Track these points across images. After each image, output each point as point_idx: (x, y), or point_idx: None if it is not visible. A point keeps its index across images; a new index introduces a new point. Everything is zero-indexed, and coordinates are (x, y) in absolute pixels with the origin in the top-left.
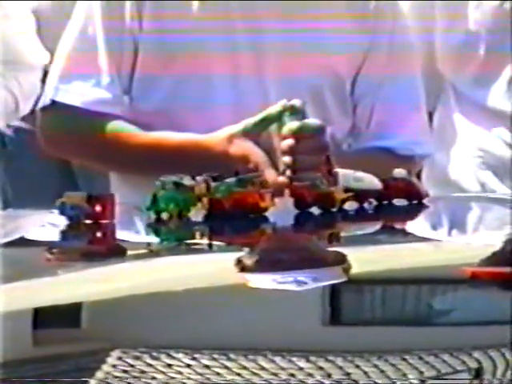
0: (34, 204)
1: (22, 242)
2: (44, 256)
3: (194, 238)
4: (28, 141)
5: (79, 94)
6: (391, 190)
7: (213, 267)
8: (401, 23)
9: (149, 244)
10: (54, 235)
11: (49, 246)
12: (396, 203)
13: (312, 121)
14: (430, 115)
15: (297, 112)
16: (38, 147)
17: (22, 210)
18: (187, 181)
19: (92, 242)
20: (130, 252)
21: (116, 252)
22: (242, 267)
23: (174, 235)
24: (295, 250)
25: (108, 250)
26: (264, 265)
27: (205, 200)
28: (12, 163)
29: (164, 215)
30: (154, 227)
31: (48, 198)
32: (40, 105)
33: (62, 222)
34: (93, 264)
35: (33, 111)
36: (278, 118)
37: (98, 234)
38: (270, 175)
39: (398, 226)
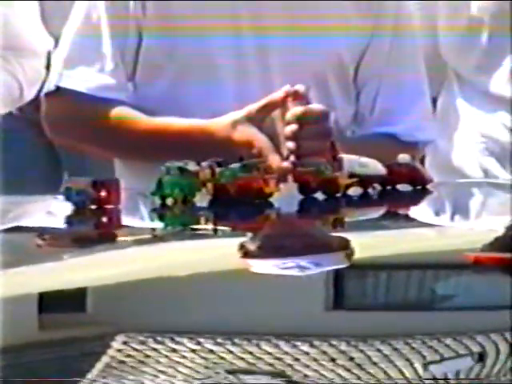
0: (21, 191)
1: (27, 228)
2: (35, 242)
3: (198, 223)
4: (16, 127)
5: (83, 80)
6: (395, 176)
7: (217, 252)
8: (404, 9)
9: (153, 229)
10: (58, 221)
11: (39, 231)
12: (400, 188)
13: (316, 106)
14: (434, 101)
15: (300, 97)
16: (25, 133)
17: (27, 196)
18: (192, 166)
19: (98, 227)
20: (135, 237)
21: (107, 238)
22: (244, 252)
23: (179, 220)
24: (298, 236)
25: (99, 235)
26: (266, 250)
27: (209, 185)
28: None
29: (169, 200)
30: (159, 212)
31: (35, 184)
32: (44, 91)
33: (68, 207)
34: (98, 249)
35: (37, 97)
36: (281, 103)
37: (104, 220)
38: (274, 160)
39: (401, 211)
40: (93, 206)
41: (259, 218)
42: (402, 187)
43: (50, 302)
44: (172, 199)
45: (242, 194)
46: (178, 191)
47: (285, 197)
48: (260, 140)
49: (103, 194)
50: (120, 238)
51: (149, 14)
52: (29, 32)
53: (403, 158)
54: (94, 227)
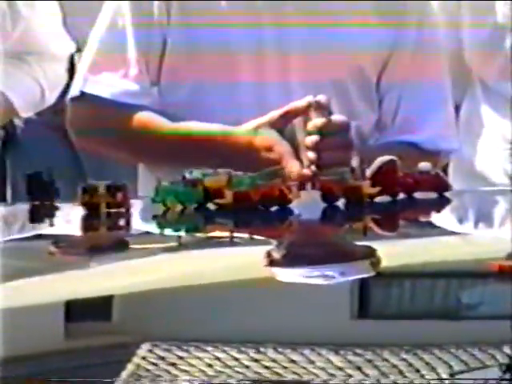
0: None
1: (54, 236)
2: (48, 249)
3: (215, 230)
4: (37, 132)
5: (108, 85)
6: (419, 184)
7: (242, 260)
8: (428, 18)
9: (179, 237)
10: (76, 229)
11: (57, 239)
12: (422, 196)
13: (337, 117)
14: (457, 108)
15: (322, 108)
16: (48, 138)
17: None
18: (197, 174)
19: (114, 229)
20: (159, 245)
21: (120, 245)
22: (270, 261)
23: (182, 227)
24: (323, 245)
25: (113, 242)
26: (292, 259)
27: (228, 193)
28: (21, 154)
29: (169, 206)
30: (158, 220)
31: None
32: (69, 95)
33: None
34: (123, 256)
35: (56, 102)
36: (303, 112)
37: (118, 224)
38: (294, 166)
39: (425, 219)
40: (108, 210)
41: (281, 225)
42: (423, 195)
43: (77, 311)
44: (169, 206)
45: (263, 200)
46: (171, 198)
47: (306, 204)
48: (281, 145)
49: (119, 197)
50: (144, 246)
51: (173, 21)
52: (50, 36)
53: (424, 165)
54: (110, 231)
